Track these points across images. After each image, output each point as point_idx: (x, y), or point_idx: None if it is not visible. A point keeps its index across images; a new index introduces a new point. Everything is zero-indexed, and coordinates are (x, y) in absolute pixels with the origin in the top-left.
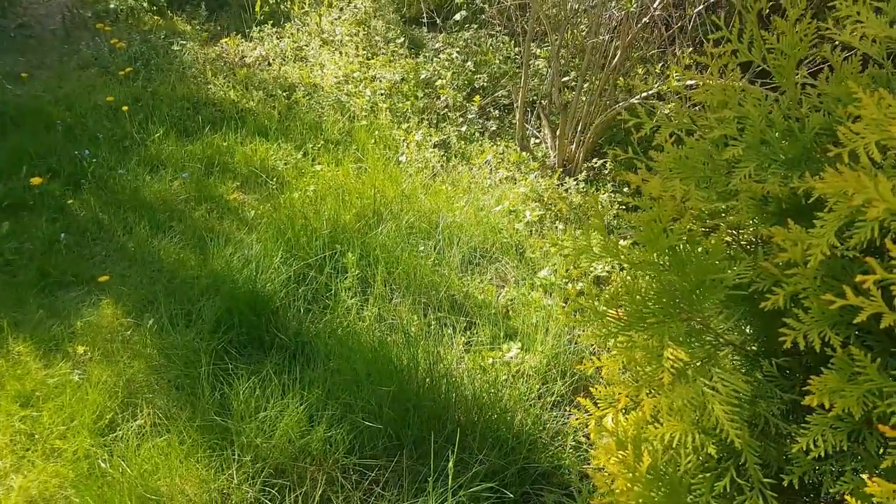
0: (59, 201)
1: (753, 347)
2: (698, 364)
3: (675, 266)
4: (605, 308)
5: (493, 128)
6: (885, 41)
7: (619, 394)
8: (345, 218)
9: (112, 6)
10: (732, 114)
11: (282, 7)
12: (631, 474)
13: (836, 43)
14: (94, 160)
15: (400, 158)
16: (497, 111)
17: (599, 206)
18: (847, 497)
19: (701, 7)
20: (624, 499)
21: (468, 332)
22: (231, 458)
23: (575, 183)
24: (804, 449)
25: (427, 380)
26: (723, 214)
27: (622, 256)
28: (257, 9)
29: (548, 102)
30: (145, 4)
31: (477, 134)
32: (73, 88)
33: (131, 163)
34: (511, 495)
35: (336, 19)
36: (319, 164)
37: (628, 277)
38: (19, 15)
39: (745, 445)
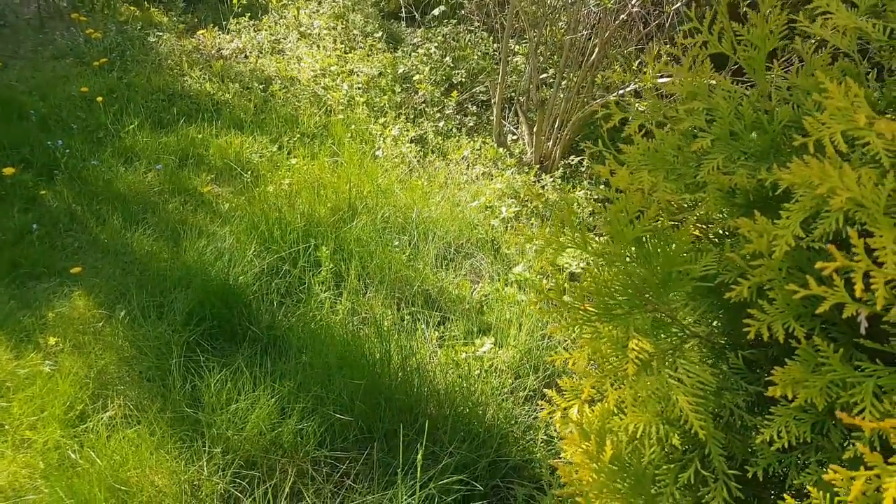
0: (31, 192)
1: (720, 340)
2: (663, 356)
3: (642, 258)
4: (571, 300)
5: (471, 124)
6: (853, 32)
7: (585, 385)
8: (320, 212)
9: None
10: (702, 105)
11: (260, 0)
12: (595, 464)
13: (811, 37)
14: (68, 151)
15: (377, 153)
16: (475, 107)
17: (575, 204)
18: (810, 488)
19: (679, 4)
20: (588, 489)
21: (441, 327)
22: (202, 449)
23: (551, 180)
24: (767, 440)
25: (399, 373)
26: (691, 207)
27: (590, 248)
28: (234, 1)
29: (525, 99)
30: None
31: (454, 130)
32: (47, 78)
33: (105, 154)
34: (480, 488)
35: (314, 12)
36: (295, 157)
37: (595, 269)
38: None
39: (709, 437)
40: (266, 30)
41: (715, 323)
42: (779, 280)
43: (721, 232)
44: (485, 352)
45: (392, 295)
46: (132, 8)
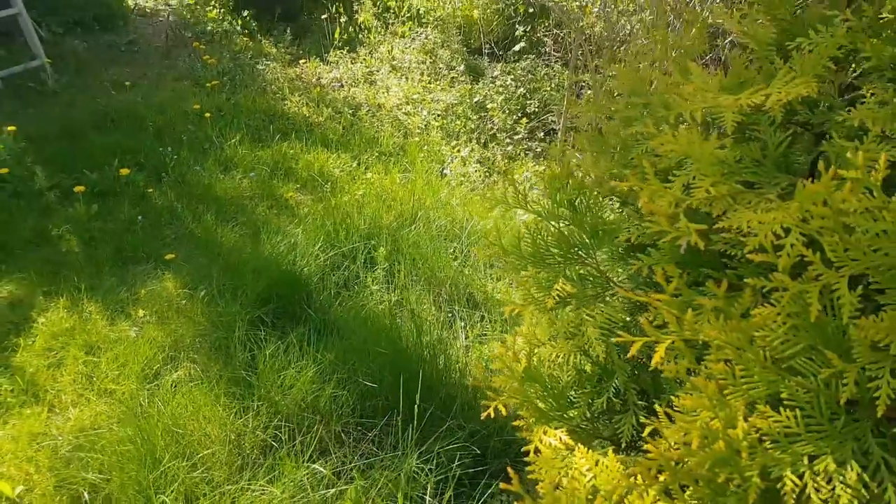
0: (141, 190)
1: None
2: (586, 299)
3: (575, 218)
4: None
5: (539, 149)
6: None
7: (539, 334)
8: (384, 218)
9: (209, 28)
10: (639, 100)
11: (359, 36)
12: (510, 371)
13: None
14: (176, 158)
15: (444, 171)
16: (544, 134)
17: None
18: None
19: (731, 37)
20: (507, 395)
21: (480, 325)
22: (250, 407)
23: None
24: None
25: (427, 354)
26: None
27: (529, 207)
28: (336, 36)
29: (590, 126)
30: (238, 28)
31: (522, 154)
32: (166, 96)
33: (207, 162)
34: (477, 450)
35: (406, 48)
36: (371, 172)
37: (532, 225)
38: (130, 32)
39: (616, 365)
40: (362, 62)
41: (638, 279)
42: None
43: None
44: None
45: (438, 293)
46: (246, 39)
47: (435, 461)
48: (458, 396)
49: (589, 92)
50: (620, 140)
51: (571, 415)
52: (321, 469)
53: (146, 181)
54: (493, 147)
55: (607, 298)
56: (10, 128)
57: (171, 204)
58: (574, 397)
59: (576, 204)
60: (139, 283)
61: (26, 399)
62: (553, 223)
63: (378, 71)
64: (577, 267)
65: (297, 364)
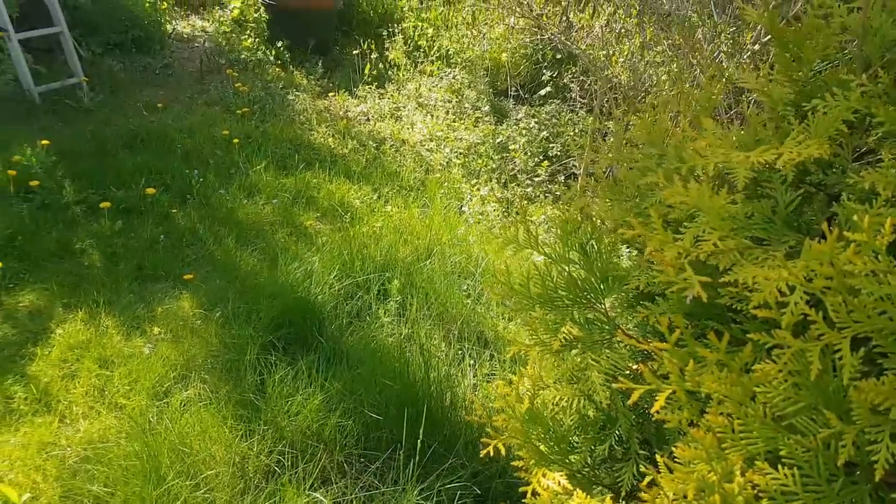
0: (165, 210)
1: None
2: (593, 344)
3: (585, 262)
4: (522, 290)
5: (558, 193)
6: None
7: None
8: (400, 251)
9: (243, 56)
10: (655, 150)
11: (388, 73)
12: (512, 410)
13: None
14: (202, 180)
15: (462, 209)
16: (564, 178)
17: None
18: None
19: (755, 97)
20: (507, 434)
21: (489, 364)
22: (256, 430)
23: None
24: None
25: (434, 389)
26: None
27: (540, 249)
28: (366, 71)
29: (611, 172)
30: (271, 58)
31: (542, 196)
32: (197, 120)
33: (232, 187)
34: (479, 491)
35: (434, 86)
36: (390, 205)
37: (543, 267)
38: (166, 56)
39: (619, 412)
40: (389, 98)
41: (647, 327)
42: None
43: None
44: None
45: (449, 330)
46: (278, 69)
47: (435, 499)
48: (463, 435)
49: (610, 139)
50: (637, 189)
51: (572, 459)
52: (322, 498)
53: (171, 202)
54: (513, 187)
55: (614, 344)
56: (43, 142)
57: (194, 225)
58: (576, 442)
59: (587, 249)
60: (157, 301)
61: (38, 408)
62: (563, 266)
63: (404, 107)
64: (585, 311)
65: (305, 391)
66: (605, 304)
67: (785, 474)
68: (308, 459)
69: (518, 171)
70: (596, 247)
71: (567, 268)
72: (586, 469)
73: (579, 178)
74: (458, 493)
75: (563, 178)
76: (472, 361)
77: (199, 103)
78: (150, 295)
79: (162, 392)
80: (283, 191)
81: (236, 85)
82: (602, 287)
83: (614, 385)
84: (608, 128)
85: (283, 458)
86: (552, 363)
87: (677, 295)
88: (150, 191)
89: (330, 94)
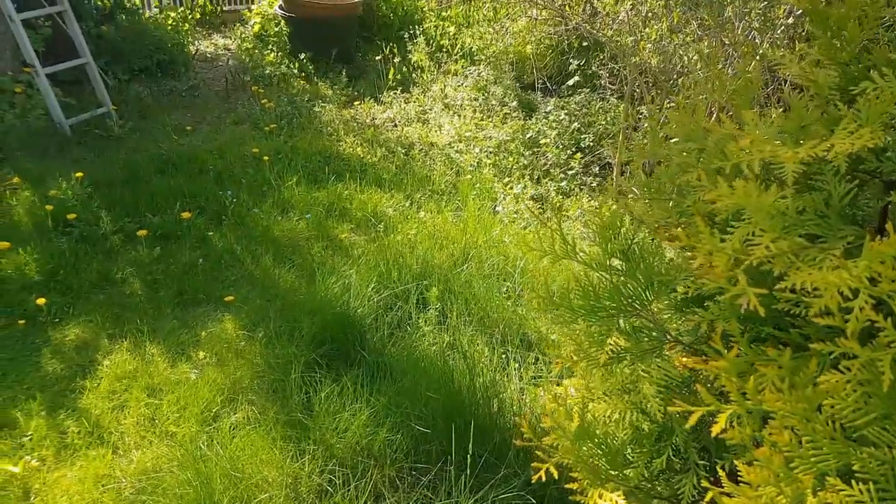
0: (202, 233)
1: (702, 347)
2: (643, 354)
3: (629, 268)
4: (560, 301)
5: (594, 184)
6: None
7: (594, 387)
8: (436, 257)
9: (267, 72)
10: (694, 145)
11: (412, 76)
12: (569, 441)
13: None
14: (235, 200)
15: (497, 209)
16: (598, 168)
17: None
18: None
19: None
20: (560, 454)
21: (534, 367)
22: (307, 450)
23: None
24: (718, 432)
25: (481, 399)
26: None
27: (579, 259)
28: (390, 76)
29: (648, 161)
30: (295, 71)
31: (577, 189)
32: (226, 140)
33: (266, 204)
34: (533, 500)
35: (459, 85)
36: (423, 211)
37: (583, 276)
38: (192, 78)
39: (676, 424)
40: (415, 101)
41: (698, 332)
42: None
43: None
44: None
45: (491, 334)
46: (303, 82)
47: None
48: (513, 442)
49: (643, 139)
50: (675, 186)
51: (629, 475)
52: None
53: (207, 224)
54: (546, 183)
55: (665, 353)
56: (77, 174)
57: (231, 246)
58: (631, 456)
59: (628, 253)
60: (199, 325)
61: (92, 441)
62: (604, 274)
63: (431, 110)
64: (631, 319)
65: (352, 407)
66: (651, 310)
67: (860, 490)
68: (359, 476)
69: (551, 165)
70: (638, 251)
71: (609, 275)
72: (643, 482)
73: (614, 169)
74: (513, 503)
75: (597, 168)
76: (516, 365)
77: (227, 122)
78: (193, 319)
79: (210, 417)
80: (315, 205)
81: (262, 101)
82: (647, 293)
83: (670, 408)
84: (641, 114)
85: (335, 476)
86: (600, 375)
87: (730, 300)
88: (186, 215)
89: (356, 103)
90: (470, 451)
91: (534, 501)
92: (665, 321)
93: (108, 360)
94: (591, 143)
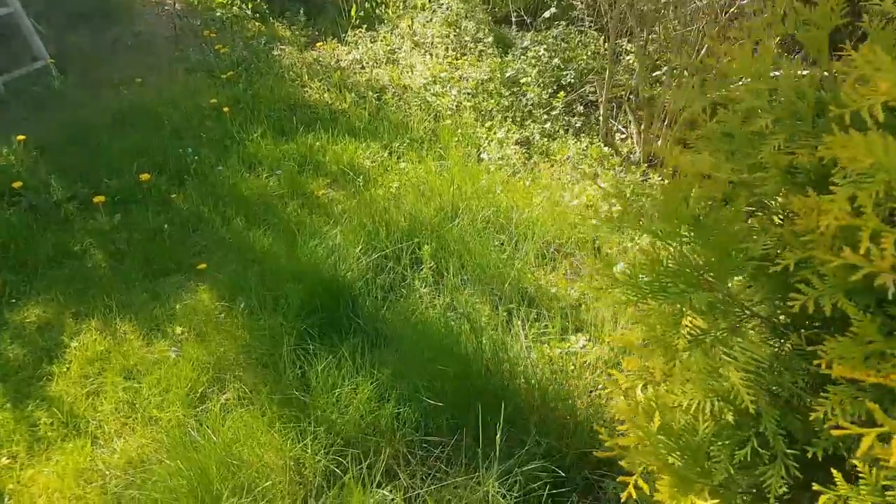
0: (164, 195)
1: (782, 319)
2: (718, 333)
3: (700, 237)
4: (624, 276)
5: (578, 124)
6: None
7: (653, 368)
8: (424, 212)
9: (218, 14)
10: (764, 86)
11: (376, 11)
12: (648, 441)
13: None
14: (197, 157)
15: (481, 156)
16: (582, 107)
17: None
18: (857, 464)
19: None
20: (638, 459)
21: (538, 324)
22: (307, 429)
23: (660, 178)
24: (821, 418)
25: (490, 365)
26: (750, 186)
27: (642, 228)
28: (353, 13)
29: (635, 97)
30: (248, 12)
31: (561, 130)
32: (180, 91)
33: (231, 160)
34: (563, 474)
35: (427, 21)
36: (404, 161)
37: (649, 248)
38: (136, 24)
39: (764, 413)
40: (381, 40)
41: (776, 303)
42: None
43: (782, 212)
44: (580, 348)
45: (490, 291)
46: (258, 24)
47: (513, 481)
48: (528, 409)
49: (631, 78)
50: (745, 136)
51: (712, 471)
52: (391, 495)
53: (168, 185)
54: (529, 125)
55: (744, 330)
56: (18, 137)
57: (197, 208)
58: (714, 452)
59: (701, 219)
60: (173, 297)
61: (67, 432)
62: (673, 244)
63: (400, 49)
64: (705, 294)
65: (353, 380)
66: (727, 284)
67: None
68: (369, 454)
69: (532, 105)
70: (712, 215)
71: (679, 245)
72: (726, 478)
73: (601, 107)
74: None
75: (580, 107)
76: (520, 323)
77: (180, 71)
78: (165, 291)
79: (196, 399)
80: (285, 159)
81: (216, 47)
82: (722, 263)
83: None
84: (622, 48)
85: (342, 457)
86: (678, 363)
87: (842, 273)
88: (145, 177)
89: (318, 45)
90: (479, 420)
91: (560, 472)
92: (737, 294)
93: (75, 341)
94: (573, 81)
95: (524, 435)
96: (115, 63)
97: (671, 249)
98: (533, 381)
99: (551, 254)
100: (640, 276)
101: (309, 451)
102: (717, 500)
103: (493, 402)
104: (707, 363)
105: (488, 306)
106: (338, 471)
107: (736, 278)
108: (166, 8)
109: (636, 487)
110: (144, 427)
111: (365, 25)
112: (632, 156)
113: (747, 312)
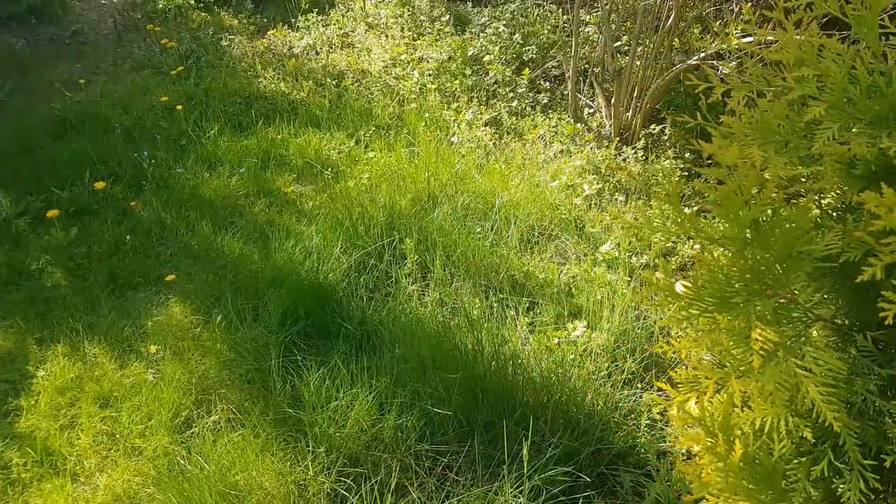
0: (122, 204)
1: (845, 321)
2: (788, 343)
3: (759, 239)
4: (685, 291)
5: (545, 101)
6: None
7: (708, 378)
8: (400, 203)
9: (160, 6)
10: (811, 71)
11: None
12: (722, 463)
13: None
14: (153, 161)
15: (452, 139)
16: (548, 83)
17: (661, 176)
18: None
19: None
20: (716, 490)
21: (531, 313)
22: (306, 449)
23: (633, 151)
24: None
25: (493, 363)
26: (804, 181)
27: (697, 233)
28: None
29: (600, 70)
30: (192, 2)
31: (528, 108)
32: (128, 91)
33: (189, 161)
34: (587, 479)
35: (380, 2)
36: (372, 150)
37: (705, 254)
38: (73, 22)
39: (843, 427)
40: (334, 24)
41: (839, 303)
42: None
43: (841, 207)
44: (578, 336)
45: (479, 283)
46: (203, 14)
47: (531, 486)
48: (537, 407)
49: (592, 50)
50: (790, 126)
51: (791, 495)
52: None
53: (125, 192)
54: (496, 104)
55: (813, 337)
56: None
57: (159, 215)
58: (789, 470)
59: (760, 220)
60: (143, 314)
61: (43, 472)
62: (731, 249)
63: (354, 31)
64: (767, 301)
65: (350, 392)
66: (791, 288)
67: None
68: (375, 471)
69: (497, 83)
70: (771, 216)
71: (737, 249)
72: (805, 499)
73: (568, 83)
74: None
75: (546, 83)
76: (513, 313)
77: (125, 70)
78: (133, 307)
79: (182, 424)
80: (247, 155)
81: (162, 41)
82: (783, 268)
83: None
84: (588, 21)
85: (346, 476)
86: (754, 380)
87: None
88: (99, 185)
89: (269, 32)
90: (482, 422)
91: (585, 477)
92: (799, 296)
93: (42, 369)
94: (535, 56)
95: (535, 436)
96: (55, 65)
97: (729, 255)
98: (537, 377)
99: (535, 238)
100: (702, 285)
101: (310, 472)
102: None
103: (500, 403)
104: (784, 379)
105: (479, 298)
106: (344, 492)
107: (794, 281)
108: (104, 3)
109: None
110: (128, 459)
111: (316, 9)
112: (602, 130)
113: (810, 315)
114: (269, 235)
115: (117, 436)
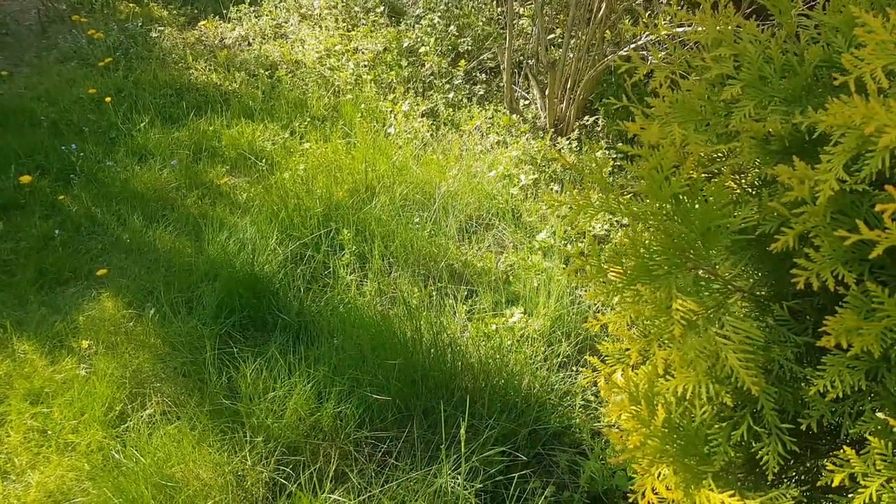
0: (50, 198)
1: (763, 292)
2: (708, 314)
3: (680, 214)
4: (607, 265)
5: (481, 92)
6: None
7: (630, 349)
8: (337, 195)
9: None
10: (728, 52)
11: None
12: (646, 429)
13: None
14: (82, 154)
15: (388, 131)
16: (483, 75)
17: (594, 164)
18: (869, 437)
19: None
20: (640, 454)
21: (469, 301)
22: (243, 439)
23: (567, 142)
24: (820, 391)
25: (431, 350)
26: (723, 157)
27: (623, 209)
28: None
29: (535, 62)
30: None
31: (465, 100)
32: (54, 83)
33: (119, 154)
34: (524, 458)
35: None
36: (308, 141)
37: (630, 231)
38: None
39: (761, 392)
40: (266, 15)
41: (758, 275)
42: (824, 226)
43: (757, 182)
44: (515, 322)
45: (417, 272)
46: (131, 5)
47: (469, 467)
48: (476, 391)
49: (526, 43)
50: (710, 105)
51: (712, 457)
52: (343, 499)
53: (53, 186)
54: (432, 95)
55: (731, 308)
56: None
57: (89, 209)
58: (711, 435)
59: (680, 196)
60: (74, 309)
61: None
62: (653, 224)
63: (287, 22)
64: (688, 273)
65: (288, 381)
66: (710, 260)
67: None
68: (314, 458)
69: (434, 75)
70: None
71: (656, 223)
72: (726, 463)
73: (504, 74)
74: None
75: (483, 75)
76: (452, 301)
77: (51, 61)
78: (64, 302)
79: (116, 418)
80: (178, 147)
81: (89, 32)
82: (702, 240)
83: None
84: (522, 13)
85: (286, 464)
86: (675, 349)
87: (835, 240)
88: (26, 178)
89: (199, 24)
90: (422, 407)
91: (522, 456)
92: (718, 268)
93: None
94: (470, 48)
95: (474, 419)
96: None
97: (651, 230)
98: (475, 363)
99: (473, 227)
100: (624, 260)
101: (249, 462)
102: (729, 491)
103: (439, 389)
104: (704, 347)
105: (417, 287)
106: (283, 480)
107: (715, 255)
108: None
109: (653, 491)
110: (61, 455)
111: (248, 0)
112: (537, 121)
113: (729, 287)
114: (202, 228)
115: (49, 432)
